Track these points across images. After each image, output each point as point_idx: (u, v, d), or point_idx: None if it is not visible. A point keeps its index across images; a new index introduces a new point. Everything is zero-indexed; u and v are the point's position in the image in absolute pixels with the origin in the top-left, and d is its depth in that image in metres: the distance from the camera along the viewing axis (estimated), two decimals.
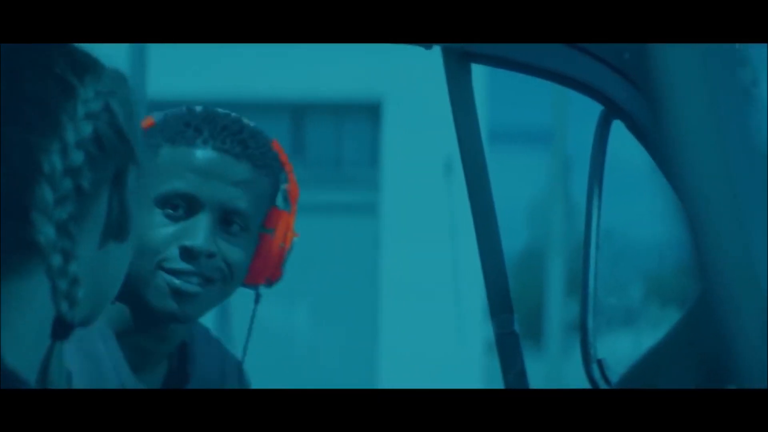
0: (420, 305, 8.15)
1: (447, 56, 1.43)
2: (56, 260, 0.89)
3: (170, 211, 1.45)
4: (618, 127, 1.32)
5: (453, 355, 7.73)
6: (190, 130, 1.47)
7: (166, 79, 7.43)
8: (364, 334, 8.29)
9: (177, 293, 1.44)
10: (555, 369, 10.62)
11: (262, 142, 1.49)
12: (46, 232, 0.89)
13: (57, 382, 0.91)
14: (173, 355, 1.53)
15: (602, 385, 1.31)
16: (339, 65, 8.14)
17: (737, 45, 0.69)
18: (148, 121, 1.52)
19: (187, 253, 1.43)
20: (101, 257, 0.96)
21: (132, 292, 1.45)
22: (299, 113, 8.75)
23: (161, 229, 1.45)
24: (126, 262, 1.01)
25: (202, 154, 1.45)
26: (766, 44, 0.69)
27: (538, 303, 11.26)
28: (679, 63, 0.64)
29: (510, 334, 1.30)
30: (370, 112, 8.57)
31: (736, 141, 0.63)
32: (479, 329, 7.98)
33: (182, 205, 1.45)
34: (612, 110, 1.29)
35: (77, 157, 0.91)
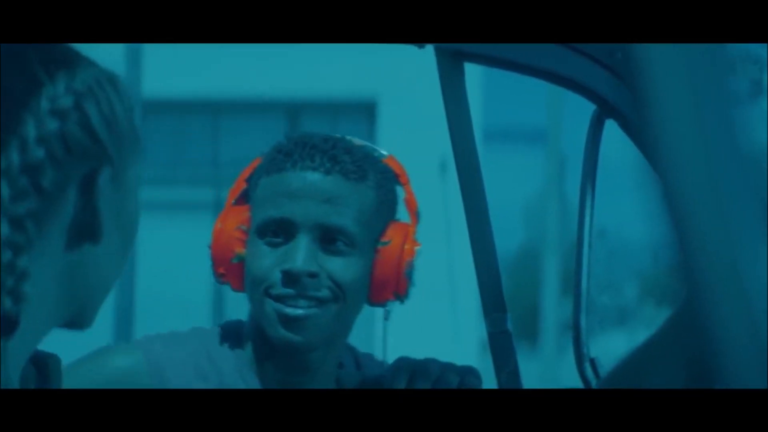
0: (415, 304, 8.15)
1: (440, 56, 1.43)
2: (6, 256, 0.88)
3: (271, 239, 1.43)
4: (611, 127, 1.32)
5: (448, 354, 7.72)
6: (281, 155, 1.46)
7: (162, 79, 7.43)
8: (359, 332, 8.29)
9: (285, 319, 1.40)
10: (550, 368, 10.62)
11: (360, 156, 1.45)
12: None
13: (5, 381, 0.90)
14: (334, 383, 1.48)
15: (595, 384, 1.31)
16: (334, 64, 8.14)
17: (747, 46, 0.69)
18: (256, 160, 1.52)
19: (288, 277, 1.40)
20: (74, 258, 0.94)
21: (256, 326, 1.44)
22: (295, 112, 8.75)
23: (265, 258, 1.43)
24: (112, 265, 0.98)
25: (291, 176, 1.43)
26: (766, 44, 0.69)
27: (533, 302, 11.27)
28: (662, 61, 0.64)
29: (503, 333, 1.30)
30: (365, 111, 8.57)
31: (721, 140, 0.63)
32: (474, 328, 7.98)
33: (281, 231, 1.43)
34: (605, 109, 1.30)
35: (37, 154, 0.89)
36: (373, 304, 1.48)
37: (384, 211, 1.45)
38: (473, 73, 1.45)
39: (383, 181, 1.45)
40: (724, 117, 0.64)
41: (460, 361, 1.32)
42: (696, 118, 0.63)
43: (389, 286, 1.44)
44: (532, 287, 11.10)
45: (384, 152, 1.50)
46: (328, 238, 1.42)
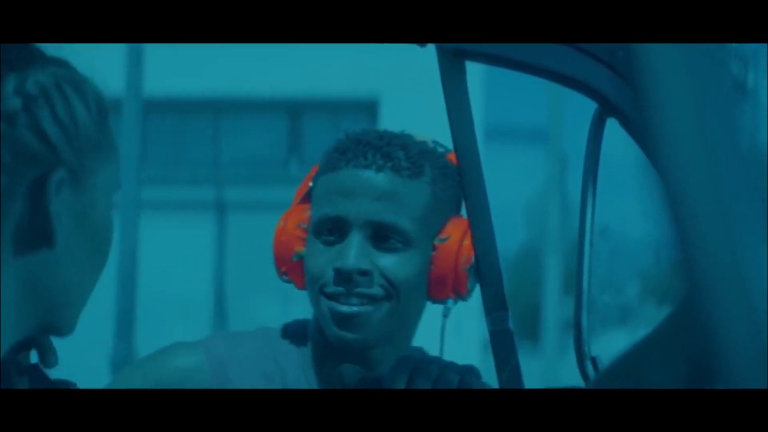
0: None
1: (441, 54, 1.43)
2: None
3: (326, 238, 1.43)
4: (613, 125, 1.32)
5: (449, 353, 7.72)
6: (337, 153, 1.46)
7: (163, 78, 7.42)
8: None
9: (339, 317, 1.40)
10: (551, 367, 10.62)
11: (415, 152, 1.44)
12: None
13: None
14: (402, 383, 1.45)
15: (592, 378, 1.31)
16: (335, 64, 8.14)
17: (734, 46, 0.69)
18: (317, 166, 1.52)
19: (339, 275, 1.41)
20: (29, 263, 0.92)
21: (317, 325, 1.45)
22: (296, 112, 8.75)
23: (320, 256, 1.43)
24: (80, 271, 0.96)
25: (345, 174, 1.43)
26: (766, 44, 0.69)
27: (535, 301, 11.27)
28: (663, 60, 0.64)
29: (504, 332, 1.30)
30: (366, 110, 8.57)
31: (722, 139, 0.63)
32: (475, 327, 7.99)
33: (335, 229, 1.43)
34: (606, 108, 1.29)
35: None
36: (433, 300, 1.47)
37: (442, 206, 1.44)
38: (474, 71, 1.45)
39: (441, 177, 1.44)
40: (725, 115, 0.64)
41: (461, 360, 1.31)
42: (697, 116, 0.63)
43: (447, 283, 1.43)
44: (534, 286, 11.11)
45: (449, 148, 1.49)
46: (381, 236, 1.42)
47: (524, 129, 14.12)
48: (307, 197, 1.51)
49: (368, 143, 1.44)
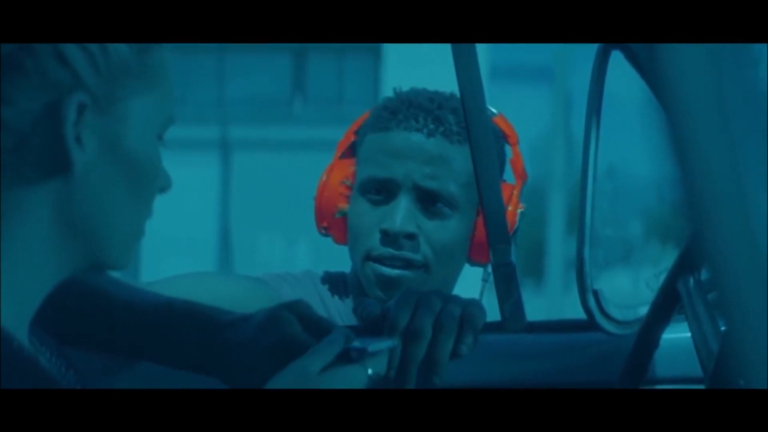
0: None
1: None
2: None
3: (373, 197, 1.43)
4: (617, 58, 1.31)
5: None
6: (387, 113, 1.45)
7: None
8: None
9: (382, 280, 1.42)
10: (555, 304, 10.68)
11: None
12: None
13: None
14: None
15: (598, 316, 1.31)
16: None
17: None
18: (366, 113, 1.51)
19: (386, 237, 1.41)
20: (54, 190, 0.91)
21: (357, 281, 1.46)
22: (301, 51, 8.71)
23: (366, 216, 1.43)
24: (119, 201, 0.95)
25: (395, 135, 1.43)
26: (766, 44, 0.68)
27: (539, 239, 11.29)
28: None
29: (507, 265, 1.31)
30: (371, 50, 8.52)
31: (733, 77, 0.63)
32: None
33: (382, 190, 1.43)
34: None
35: None
36: (472, 264, 1.49)
37: None
38: None
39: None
40: (737, 53, 0.63)
41: (465, 294, 1.32)
42: (709, 50, 0.62)
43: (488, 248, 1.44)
44: (538, 224, 11.13)
45: (494, 110, 1.49)
46: (429, 200, 1.43)
47: (529, 67, 14.05)
48: (349, 151, 1.51)
49: (419, 105, 1.44)
